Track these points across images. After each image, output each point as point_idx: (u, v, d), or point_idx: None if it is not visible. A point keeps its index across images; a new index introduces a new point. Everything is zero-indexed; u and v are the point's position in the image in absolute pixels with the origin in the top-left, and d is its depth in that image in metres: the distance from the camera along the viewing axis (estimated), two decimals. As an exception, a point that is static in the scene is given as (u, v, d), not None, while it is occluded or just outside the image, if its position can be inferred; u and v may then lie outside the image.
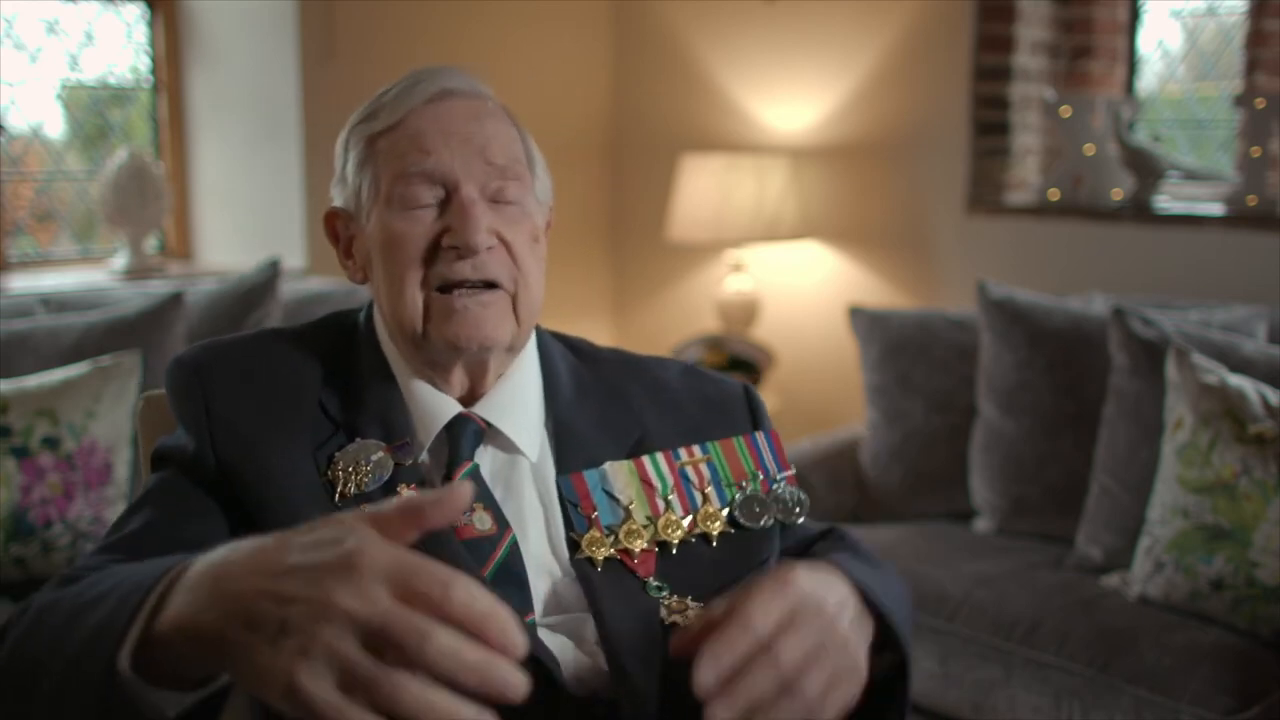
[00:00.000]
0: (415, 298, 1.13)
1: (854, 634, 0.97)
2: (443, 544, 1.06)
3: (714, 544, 1.16)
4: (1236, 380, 2.35)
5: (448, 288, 1.12)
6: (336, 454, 1.12)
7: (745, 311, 3.75)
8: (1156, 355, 2.53)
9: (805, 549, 1.21)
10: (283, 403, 1.14)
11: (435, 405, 1.16)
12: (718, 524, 1.17)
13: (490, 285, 1.13)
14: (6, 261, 3.43)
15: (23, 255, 3.53)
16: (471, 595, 0.72)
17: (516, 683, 0.72)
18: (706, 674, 0.86)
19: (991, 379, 2.88)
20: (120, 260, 3.41)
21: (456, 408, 1.16)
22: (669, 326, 4.10)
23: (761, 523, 1.18)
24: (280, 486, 1.08)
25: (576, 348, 1.28)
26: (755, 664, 0.89)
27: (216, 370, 1.14)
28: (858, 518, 3.02)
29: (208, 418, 1.11)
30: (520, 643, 0.73)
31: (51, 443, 2.46)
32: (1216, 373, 2.37)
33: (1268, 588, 2.23)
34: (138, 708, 0.81)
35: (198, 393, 1.13)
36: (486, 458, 1.16)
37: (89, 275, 3.39)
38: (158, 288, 3.03)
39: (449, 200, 1.13)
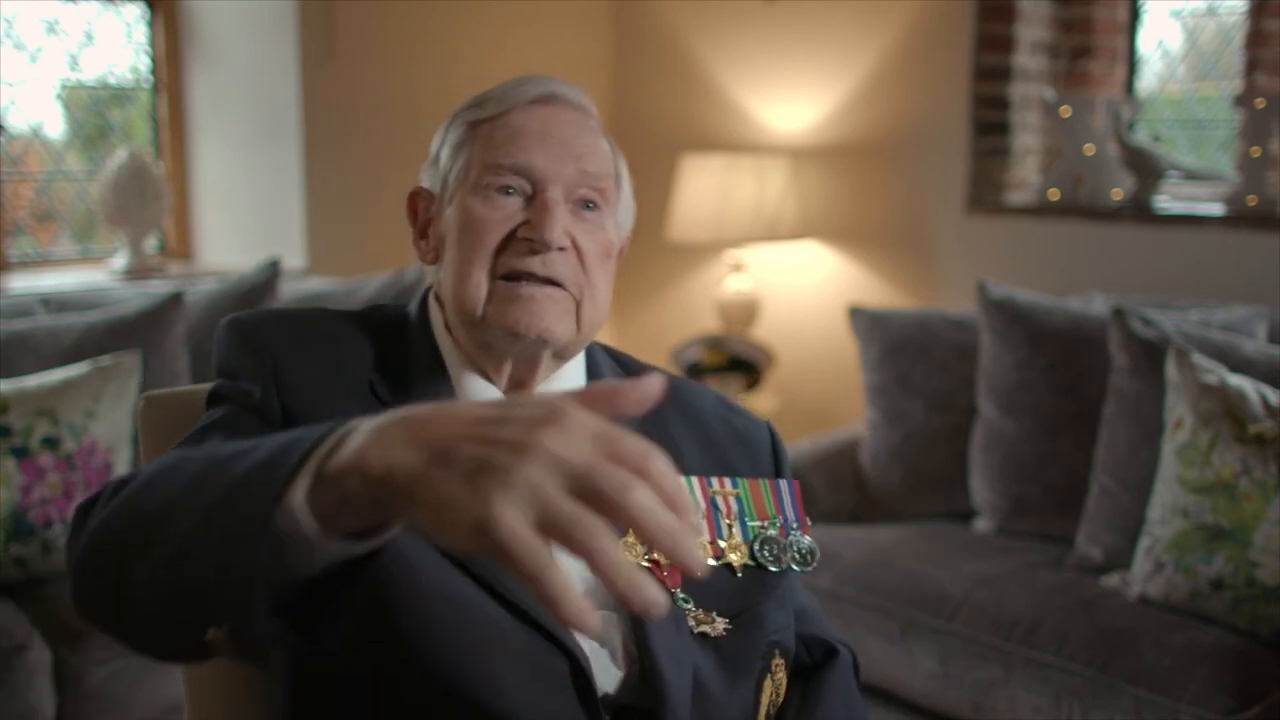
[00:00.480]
0: (481, 281, 1.14)
1: None
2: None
3: (738, 574, 1.18)
4: (1236, 380, 2.35)
5: (513, 277, 1.14)
6: None
7: (745, 311, 3.75)
8: (1156, 355, 2.53)
9: (808, 667, 1.25)
10: (337, 375, 1.15)
11: (483, 397, 1.17)
12: (742, 555, 1.19)
13: (555, 284, 1.15)
14: (6, 261, 3.43)
15: (23, 255, 3.53)
16: (666, 469, 0.71)
17: (701, 559, 0.71)
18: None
19: (991, 379, 2.88)
20: (120, 260, 3.41)
21: None
22: (669, 326, 4.10)
23: (779, 565, 1.20)
24: None
25: (624, 363, 1.30)
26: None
27: (277, 332, 1.15)
28: (858, 518, 3.03)
29: (275, 371, 1.12)
30: (701, 526, 0.72)
31: (51, 443, 2.46)
32: (1216, 373, 2.37)
33: (1268, 588, 2.23)
34: (284, 555, 0.78)
35: (264, 347, 1.13)
36: None
37: (89, 275, 3.39)
38: (158, 288, 3.03)
39: (533, 197, 1.15)
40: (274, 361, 1.12)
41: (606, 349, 1.29)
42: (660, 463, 0.71)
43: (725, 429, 1.27)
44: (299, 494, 0.76)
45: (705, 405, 1.28)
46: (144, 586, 0.83)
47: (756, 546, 1.20)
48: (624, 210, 1.23)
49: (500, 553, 0.67)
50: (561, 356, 1.19)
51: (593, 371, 1.24)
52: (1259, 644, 2.25)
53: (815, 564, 1.22)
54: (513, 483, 0.68)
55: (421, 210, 1.24)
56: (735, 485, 1.22)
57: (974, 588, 2.54)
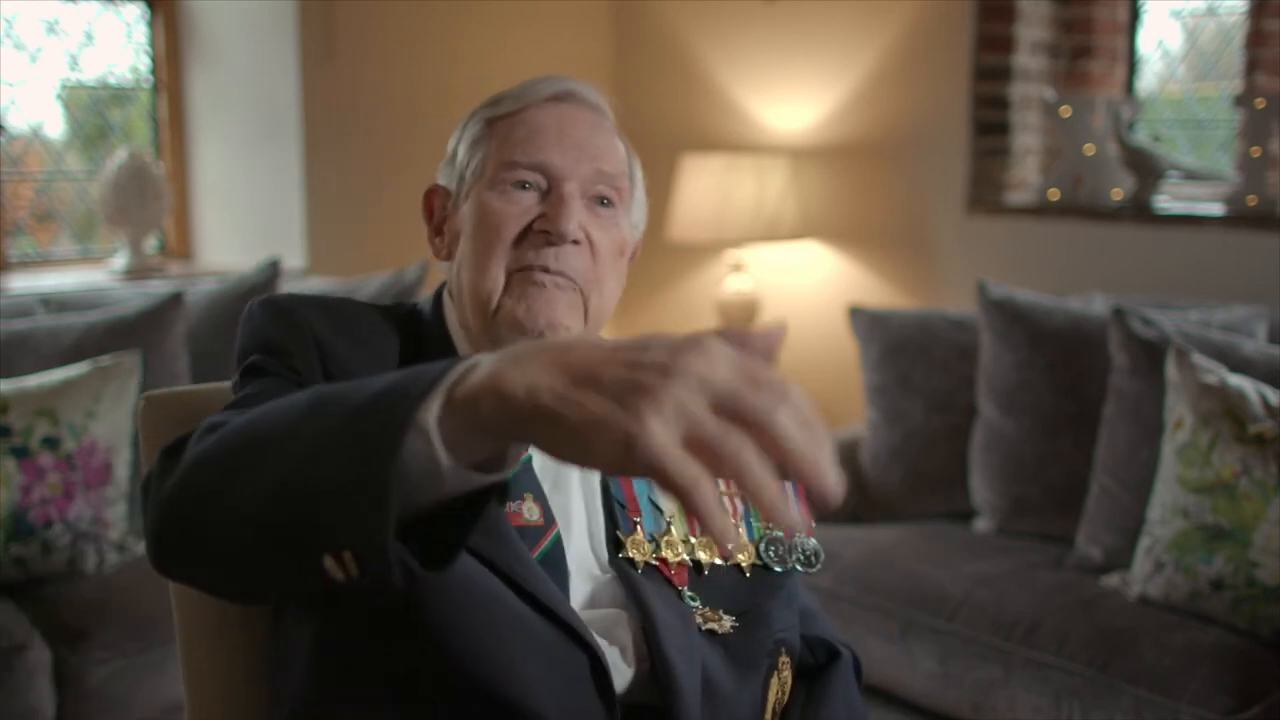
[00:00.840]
0: (498, 275, 1.15)
1: None
2: (498, 530, 1.07)
3: (746, 574, 1.19)
4: (1236, 380, 2.35)
5: (527, 269, 1.15)
6: None
7: (745, 311, 3.75)
8: (1156, 355, 2.53)
9: (812, 668, 1.26)
10: (369, 360, 1.15)
11: None
12: (749, 555, 1.20)
13: (565, 276, 1.16)
14: (6, 261, 3.43)
15: (23, 255, 3.53)
16: (803, 397, 0.71)
17: (838, 483, 0.71)
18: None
19: (991, 379, 2.88)
20: (120, 260, 3.41)
21: None
22: (669, 326, 4.10)
23: (785, 566, 1.21)
24: None
25: None
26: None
27: (312, 313, 1.15)
28: (858, 518, 3.02)
29: (318, 347, 1.12)
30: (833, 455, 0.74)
31: (51, 443, 2.46)
32: (1216, 373, 2.37)
33: (1268, 588, 2.23)
34: (407, 481, 0.77)
35: (304, 323, 1.13)
36: (538, 451, 1.17)
37: (89, 275, 3.39)
38: (158, 288, 3.03)
39: (549, 192, 1.16)
40: (315, 336, 1.12)
41: None
42: (798, 392, 0.71)
43: None
44: (431, 415, 0.75)
45: None
46: (255, 511, 0.80)
47: (763, 547, 1.20)
48: (638, 210, 1.25)
49: (651, 469, 0.67)
50: None
51: None
52: (1259, 644, 2.25)
53: (819, 565, 1.23)
54: (662, 401, 0.68)
55: (437, 208, 1.25)
56: None
57: (974, 588, 2.54)
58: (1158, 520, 2.38)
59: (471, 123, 1.22)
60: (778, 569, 1.20)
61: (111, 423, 2.53)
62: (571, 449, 0.71)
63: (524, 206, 1.16)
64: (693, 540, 1.18)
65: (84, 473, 2.49)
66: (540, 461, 1.16)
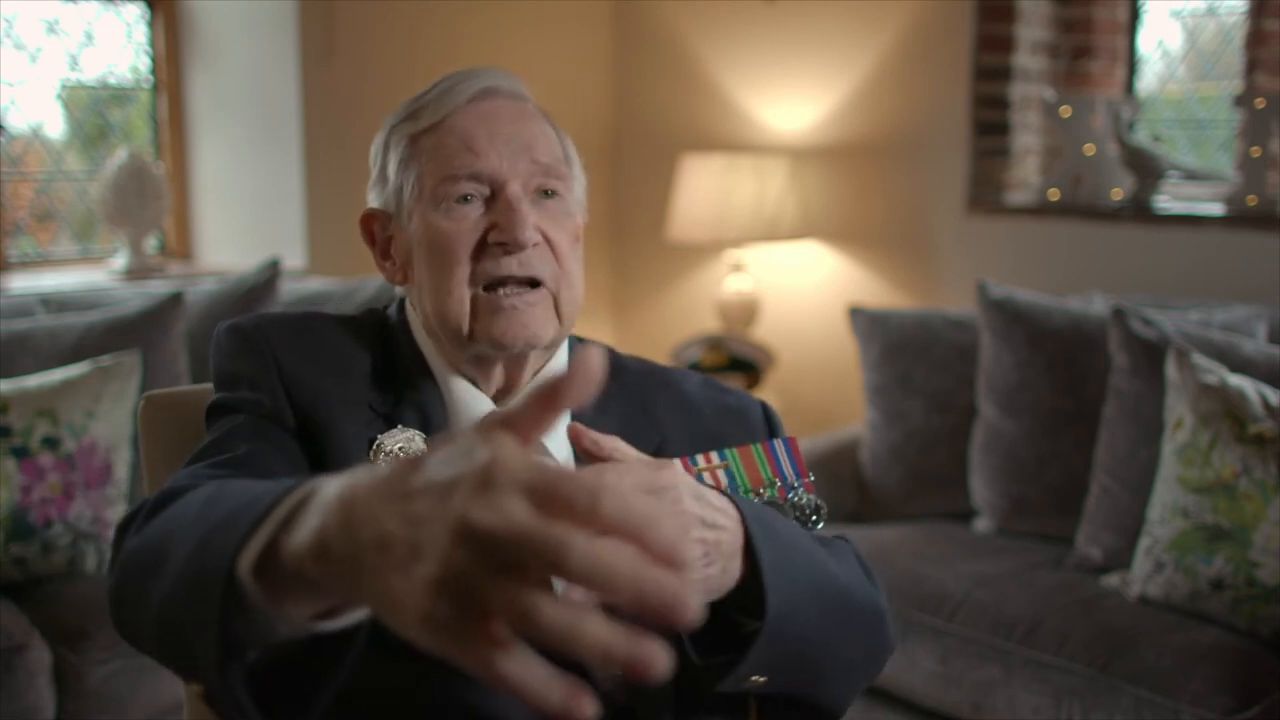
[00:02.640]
0: (463, 297, 1.14)
1: (725, 541, 0.97)
2: None
3: None
4: (1236, 380, 2.35)
5: (493, 285, 1.14)
6: (381, 438, 1.13)
7: (745, 311, 3.75)
8: (1156, 355, 2.53)
9: None
10: (340, 378, 1.15)
11: (470, 401, 1.17)
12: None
13: (534, 284, 1.15)
14: (6, 261, 3.43)
15: (23, 255, 3.53)
16: (626, 503, 0.60)
17: (684, 599, 0.57)
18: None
19: (991, 379, 2.88)
20: (120, 260, 3.41)
21: (489, 405, 1.18)
22: (669, 326, 4.10)
23: None
24: (339, 457, 1.10)
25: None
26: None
27: (276, 335, 1.15)
28: (858, 518, 3.02)
29: (280, 376, 1.12)
30: (690, 557, 0.63)
31: (51, 443, 2.46)
32: (1216, 373, 2.37)
33: (1268, 588, 2.23)
34: (253, 617, 0.75)
35: (266, 351, 1.13)
36: None
37: (89, 275, 3.39)
38: (158, 288, 3.03)
39: (494, 198, 1.14)
40: (278, 365, 1.12)
41: (583, 341, 1.29)
42: (615, 497, 0.59)
43: (715, 408, 1.27)
44: (245, 563, 0.73)
45: (693, 388, 1.28)
46: (152, 619, 0.84)
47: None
48: (579, 189, 1.22)
49: (446, 646, 0.60)
50: (550, 348, 1.20)
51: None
52: (1259, 644, 2.25)
53: (823, 518, 1.18)
54: (445, 573, 0.60)
55: (378, 231, 1.23)
56: (724, 458, 1.18)
57: (974, 588, 2.54)
58: (1158, 520, 2.38)
59: (394, 141, 1.19)
60: None
61: (111, 423, 2.53)
62: (390, 619, 0.64)
63: (472, 220, 1.14)
64: None
65: (84, 473, 2.49)
66: None
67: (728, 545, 0.98)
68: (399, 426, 1.14)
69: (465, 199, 1.14)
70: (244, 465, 1.05)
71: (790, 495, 1.19)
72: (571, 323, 1.20)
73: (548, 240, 1.16)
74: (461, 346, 1.16)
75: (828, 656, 1.06)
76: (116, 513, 2.53)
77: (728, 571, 0.98)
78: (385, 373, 1.18)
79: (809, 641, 1.02)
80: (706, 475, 1.17)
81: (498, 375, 1.19)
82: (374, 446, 1.12)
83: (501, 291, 1.14)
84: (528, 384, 1.20)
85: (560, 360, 1.23)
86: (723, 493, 1.03)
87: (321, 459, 1.10)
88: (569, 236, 1.18)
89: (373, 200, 1.22)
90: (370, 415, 1.14)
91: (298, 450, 1.11)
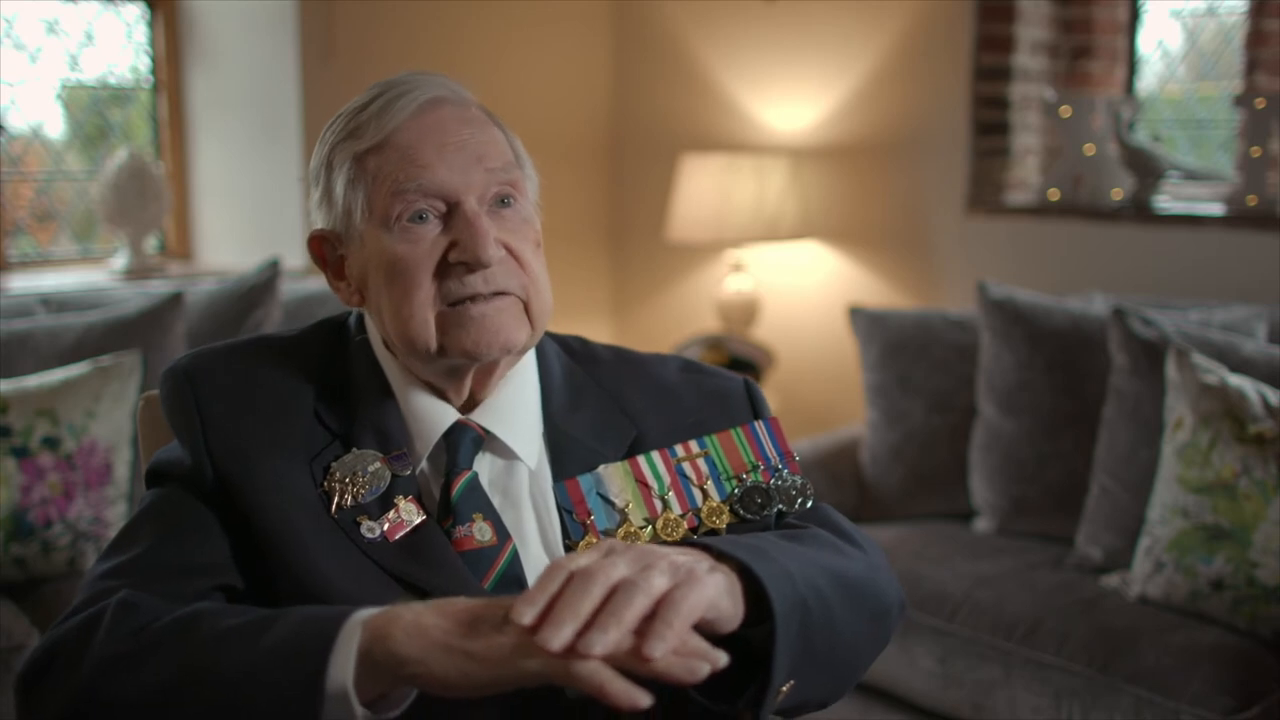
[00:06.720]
0: (427, 319, 1.10)
1: (688, 560, 0.94)
2: (441, 561, 1.07)
3: None
4: (1236, 380, 2.35)
5: (459, 301, 1.10)
6: (333, 464, 1.11)
7: (745, 311, 3.75)
8: (1156, 355, 2.53)
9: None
10: (278, 412, 1.12)
11: (433, 414, 1.15)
12: (723, 518, 1.15)
13: (500, 294, 1.12)
14: (6, 261, 3.43)
15: (23, 255, 3.53)
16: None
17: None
18: (522, 611, 0.86)
19: (991, 379, 2.88)
20: (120, 260, 3.41)
21: (454, 415, 1.15)
22: (669, 326, 4.10)
23: (764, 513, 1.16)
24: (276, 498, 1.08)
25: (571, 348, 1.26)
26: (570, 587, 0.87)
27: (209, 379, 1.13)
28: (858, 518, 3.02)
29: (203, 428, 1.10)
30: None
31: (51, 443, 2.46)
32: (1216, 373, 2.37)
33: (1268, 588, 2.23)
34: None
35: (190, 403, 1.12)
36: (484, 465, 1.15)
37: (89, 275, 3.39)
38: (158, 288, 3.03)
39: (451, 214, 1.10)
40: (202, 415, 1.11)
41: (554, 336, 1.26)
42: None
43: (693, 391, 1.23)
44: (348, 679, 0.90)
45: (669, 373, 1.25)
46: None
47: (738, 503, 1.16)
48: (532, 188, 1.18)
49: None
50: (520, 354, 1.17)
51: (543, 365, 1.21)
52: (1259, 644, 2.25)
53: (810, 497, 1.17)
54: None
55: (329, 253, 1.17)
56: (703, 445, 1.17)
57: (974, 588, 2.54)
58: (1158, 520, 2.38)
59: (337, 159, 1.14)
60: (756, 517, 1.15)
61: (111, 423, 2.53)
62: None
63: (430, 240, 1.10)
64: (653, 523, 1.13)
65: (84, 473, 2.49)
66: (489, 474, 1.14)
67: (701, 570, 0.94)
68: (354, 451, 1.12)
69: (420, 217, 1.10)
70: (151, 566, 1.05)
71: (774, 478, 1.17)
72: (543, 327, 1.17)
73: (511, 252, 1.12)
74: (431, 362, 1.13)
75: (838, 640, 1.04)
76: (116, 512, 2.53)
77: (731, 612, 0.95)
78: (340, 392, 1.15)
79: (818, 627, 1.00)
80: (687, 465, 1.16)
81: (467, 385, 1.16)
82: (326, 473, 1.10)
83: (468, 304, 1.10)
84: (491, 394, 1.16)
85: (527, 367, 1.20)
86: (692, 540, 1.01)
87: (254, 503, 1.08)
88: (530, 245, 1.14)
89: (319, 221, 1.17)
90: (324, 440, 1.12)
91: (209, 517, 1.09)
